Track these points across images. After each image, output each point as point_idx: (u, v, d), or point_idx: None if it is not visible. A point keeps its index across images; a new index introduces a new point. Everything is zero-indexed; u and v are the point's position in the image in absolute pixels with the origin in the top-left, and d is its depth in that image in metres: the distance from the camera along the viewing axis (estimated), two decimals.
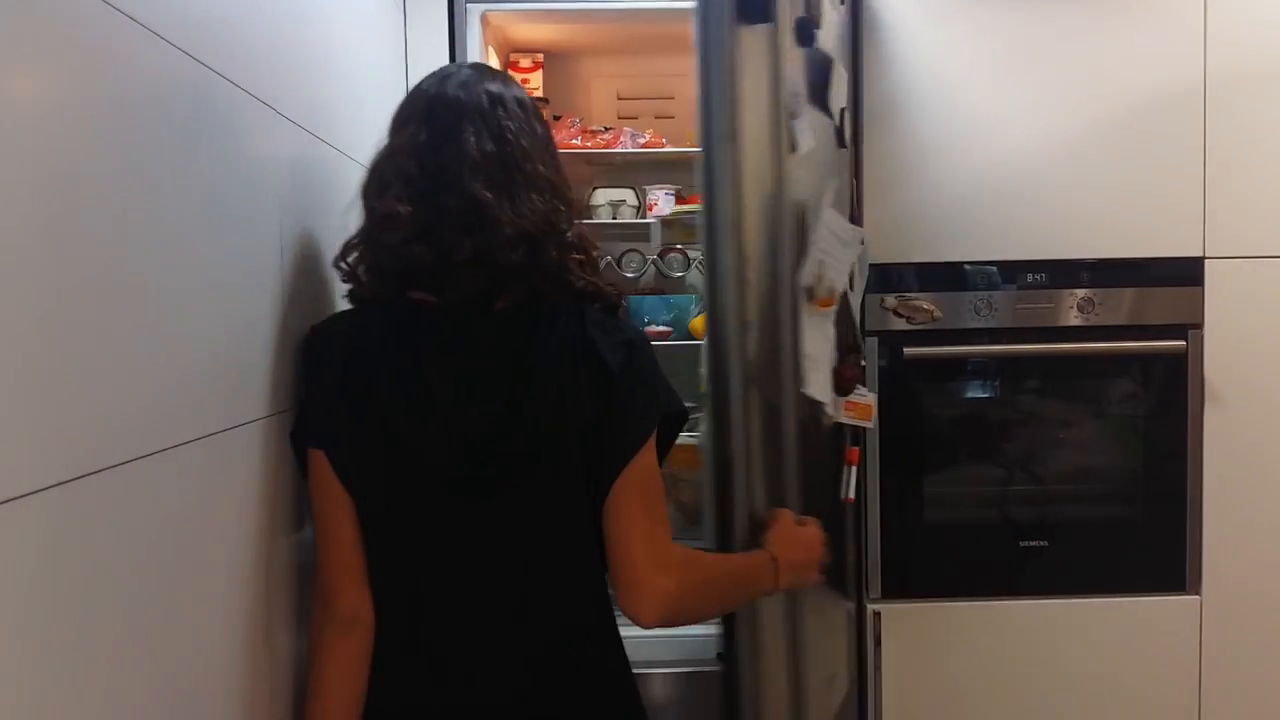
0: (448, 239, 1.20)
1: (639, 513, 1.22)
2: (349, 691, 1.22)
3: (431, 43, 2.15)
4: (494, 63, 2.26)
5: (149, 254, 0.94)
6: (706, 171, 1.42)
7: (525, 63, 2.36)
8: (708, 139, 1.41)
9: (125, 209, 0.90)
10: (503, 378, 1.21)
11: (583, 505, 1.23)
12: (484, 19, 2.09)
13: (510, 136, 1.24)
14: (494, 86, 1.27)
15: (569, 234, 1.25)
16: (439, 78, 1.30)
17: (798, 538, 1.40)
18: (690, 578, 1.25)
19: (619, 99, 2.55)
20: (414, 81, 1.35)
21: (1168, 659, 2.24)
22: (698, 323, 2.31)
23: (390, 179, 1.24)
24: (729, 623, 1.46)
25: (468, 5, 2.06)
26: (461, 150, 1.22)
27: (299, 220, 1.38)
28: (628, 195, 2.50)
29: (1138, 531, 2.28)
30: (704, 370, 1.47)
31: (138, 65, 0.93)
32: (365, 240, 1.27)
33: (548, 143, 1.31)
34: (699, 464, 1.55)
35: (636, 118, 2.49)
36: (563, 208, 1.26)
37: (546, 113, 2.29)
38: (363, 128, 1.80)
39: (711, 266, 1.44)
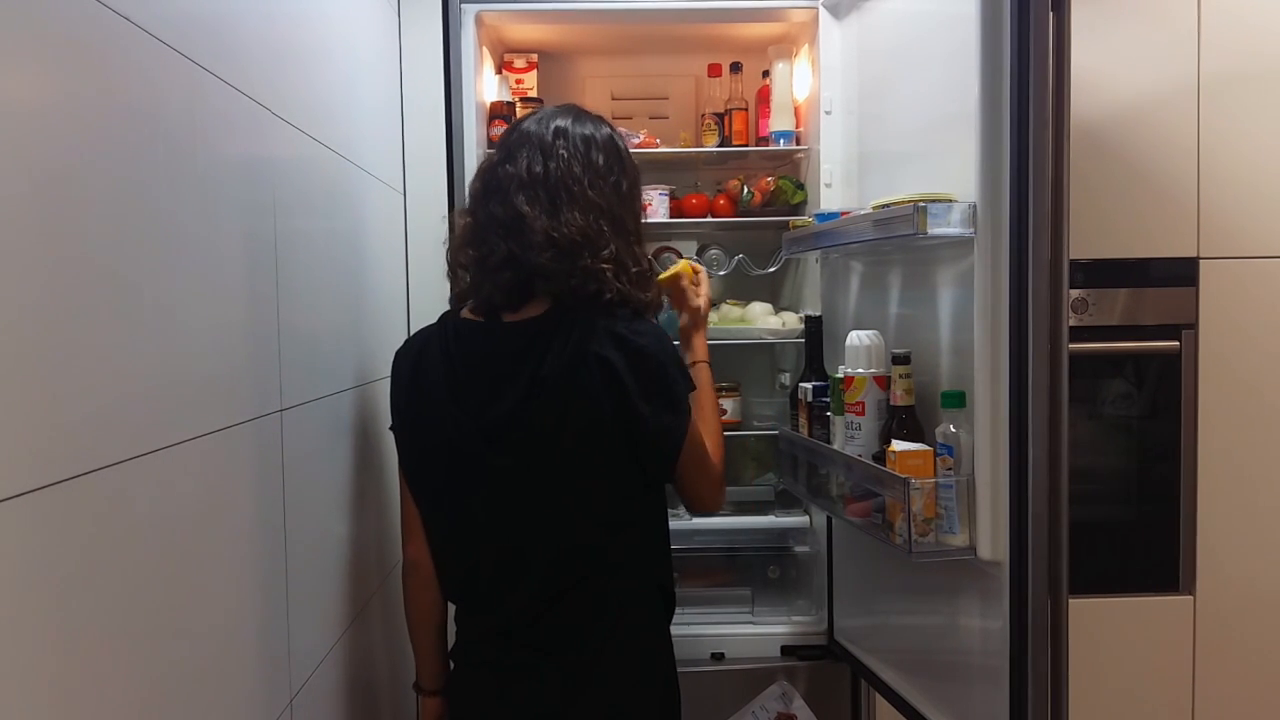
0: (489, 243, 1.44)
1: (698, 476, 1.50)
2: (424, 613, 1.58)
3: (426, 43, 2.14)
4: (487, 62, 2.25)
5: (144, 253, 0.94)
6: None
7: (519, 63, 2.35)
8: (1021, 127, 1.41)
9: (121, 209, 0.90)
10: (519, 383, 1.42)
11: (590, 482, 1.43)
12: (478, 19, 2.08)
13: (561, 163, 1.43)
14: (562, 121, 1.48)
15: (608, 249, 1.42)
16: (533, 115, 1.51)
17: (697, 318, 1.72)
18: (722, 464, 1.56)
19: (613, 99, 2.53)
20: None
21: (1161, 658, 2.25)
22: None
23: (467, 195, 1.53)
24: None
25: (462, 5, 2.04)
26: (514, 170, 1.44)
27: (294, 220, 1.38)
28: None
29: (1131, 531, 2.28)
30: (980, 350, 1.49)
31: (132, 66, 0.93)
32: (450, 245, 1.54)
33: (608, 174, 1.47)
34: None
35: (631, 118, 2.48)
36: (606, 227, 1.43)
37: None
38: (357, 127, 1.80)
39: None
